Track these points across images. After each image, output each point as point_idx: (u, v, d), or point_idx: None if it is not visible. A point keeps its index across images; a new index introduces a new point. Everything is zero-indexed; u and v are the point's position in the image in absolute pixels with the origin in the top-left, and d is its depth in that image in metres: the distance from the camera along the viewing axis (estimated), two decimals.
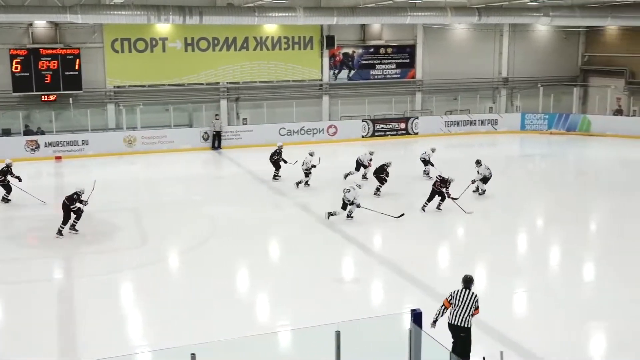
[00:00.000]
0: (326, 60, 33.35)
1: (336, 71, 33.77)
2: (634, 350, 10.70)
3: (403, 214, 18.33)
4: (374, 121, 33.23)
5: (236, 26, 29.97)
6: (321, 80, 33.45)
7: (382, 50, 34.38)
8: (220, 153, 29.51)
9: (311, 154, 22.20)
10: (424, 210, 19.04)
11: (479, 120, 34.79)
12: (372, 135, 32.84)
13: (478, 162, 20.84)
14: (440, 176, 19.16)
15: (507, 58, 36.90)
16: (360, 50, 34.04)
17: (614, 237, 17.10)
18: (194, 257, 15.58)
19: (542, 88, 35.81)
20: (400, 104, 34.83)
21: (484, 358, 7.40)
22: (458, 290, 9.75)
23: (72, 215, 16.69)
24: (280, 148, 23.08)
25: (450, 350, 9.21)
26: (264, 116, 31.95)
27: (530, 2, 26.23)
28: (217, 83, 31.69)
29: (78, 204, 16.60)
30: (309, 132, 31.82)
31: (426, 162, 23.56)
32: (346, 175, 22.81)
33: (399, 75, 34.87)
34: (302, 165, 22.07)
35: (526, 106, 36.45)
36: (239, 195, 21.46)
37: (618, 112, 35.79)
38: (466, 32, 35.79)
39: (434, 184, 18.97)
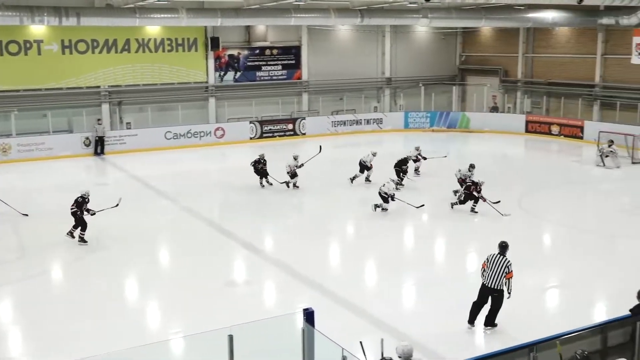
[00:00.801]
0: (211, 62, 33.02)
1: (222, 73, 33.51)
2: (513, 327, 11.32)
3: (423, 205, 19.20)
4: (262, 122, 33.25)
5: (116, 28, 29.04)
6: (207, 82, 33.08)
7: (267, 52, 34.45)
8: (103, 159, 28.53)
9: (295, 157, 22.10)
10: (452, 207, 19.30)
11: (364, 119, 35.59)
12: (261, 137, 32.85)
13: (472, 166, 20.71)
14: (471, 180, 19.28)
15: (389, 58, 37.97)
16: (245, 52, 33.95)
17: (496, 231, 18.00)
18: (78, 268, 15.07)
19: (424, 87, 37.15)
20: (288, 104, 35.06)
21: (360, 342, 7.62)
22: (493, 255, 10.87)
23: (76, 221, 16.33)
24: (262, 156, 22.45)
25: (470, 309, 11.01)
26: (149, 120, 31.23)
27: (410, 4, 27.05)
28: (98, 87, 30.58)
29: (83, 208, 16.24)
30: (196, 135, 31.39)
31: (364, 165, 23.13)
32: (352, 179, 22.77)
33: (285, 77, 35.07)
34: (287, 168, 22.05)
35: (409, 105, 37.65)
36: (124, 202, 20.86)
37: (494, 109, 37.67)
38: (350, 33, 36.51)
39: (468, 188, 18.95)
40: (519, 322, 11.51)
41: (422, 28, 37.22)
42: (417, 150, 24.59)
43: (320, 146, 21.72)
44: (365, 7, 29.20)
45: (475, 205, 19.01)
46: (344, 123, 35.07)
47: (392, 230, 17.91)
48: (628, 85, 31.52)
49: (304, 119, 34.23)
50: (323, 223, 18.54)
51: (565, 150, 29.33)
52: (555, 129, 33.11)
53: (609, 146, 25.68)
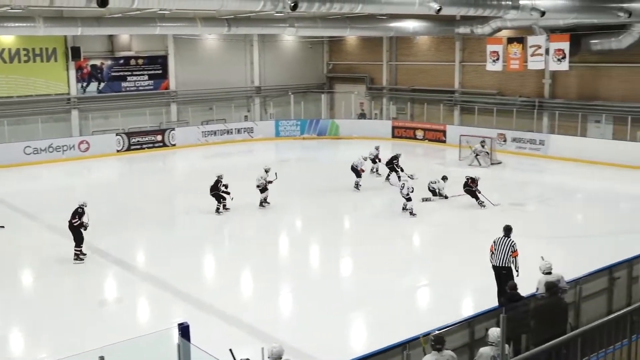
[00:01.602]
0: (73, 72, 31.69)
1: (84, 84, 32.26)
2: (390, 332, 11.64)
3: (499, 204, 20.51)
4: (129, 134, 32.29)
5: None
6: (68, 93, 31.72)
7: (132, 62, 33.55)
8: None
9: (267, 170, 20.86)
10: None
11: (235, 128, 35.45)
12: (128, 149, 31.86)
13: (445, 178, 21.59)
14: (469, 177, 20.49)
15: (258, 67, 38.09)
16: (109, 62, 32.88)
17: (367, 234, 18.47)
18: None
19: (293, 95, 37.60)
20: (156, 115, 34.28)
21: (230, 350, 7.60)
22: (499, 238, 12.20)
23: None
24: (220, 177, 20.19)
25: (497, 289, 11.89)
26: (5, 134, 29.47)
27: (276, 13, 27.25)
28: None
29: (82, 220, 15.65)
30: (58, 149, 29.92)
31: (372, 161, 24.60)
32: (357, 185, 23.06)
33: (152, 87, 34.28)
34: (257, 181, 20.63)
35: (279, 113, 37.97)
36: None
37: (362, 115, 38.75)
38: (218, 42, 36.29)
39: (467, 185, 20.38)
40: (395, 322, 11.88)
41: (289, 37, 37.66)
42: (377, 150, 25.60)
43: (276, 173, 20.86)
44: (232, 17, 29.11)
45: (480, 201, 20.36)
46: (215, 133, 34.77)
47: (268, 239, 17.92)
48: (484, 90, 33.48)
49: (173, 129, 33.60)
50: (196, 236, 18.27)
51: (430, 154, 30.64)
52: (419, 134, 34.52)
53: (483, 146, 27.45)
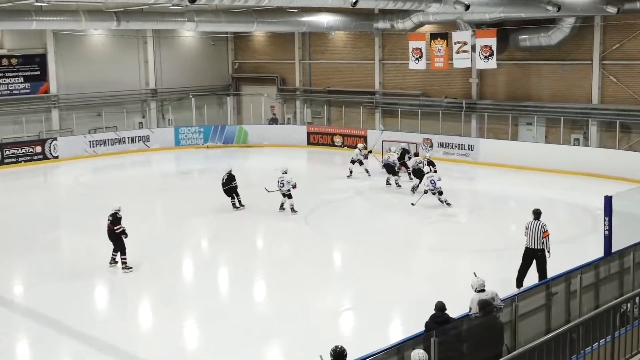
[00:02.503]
0: None
1: None
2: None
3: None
4: (2, 146, 31.10)
5: None
6: None
7: (4, 61, 32.37)
8: None
9: (285, 172, 21.88)
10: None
11: (128, 137, 34.78)
12: (2, 164, 30.66)
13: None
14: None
15: (153, 67, 37.56)
16: None
17: (271, 252, 18.48)
18: None
19: (194, 99, 37.27)
20: (34, 123, 33.12)
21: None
22: (530, 221, 14.20)
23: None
24: (231, 171, 22.43)
25: (517, 275, 14.14)
26: None
27: (173, 6, 26.90)
28: None
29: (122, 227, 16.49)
30: None
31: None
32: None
33: (28, 90, 33.16)
34: (281, 186, 21.66)
35: (179, 119, 37.57)
36: None
37: (273, 120, 38.83)
38: (106, 39, 35.59)
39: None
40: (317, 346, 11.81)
41: (188, 33, 37.28)
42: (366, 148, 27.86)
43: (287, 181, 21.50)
44: (121, 10, 28.46)
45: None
46: (104, 142, 33.97)
47: (170, 263, 17.61)
48: (407, 91, 34.17)
49: (55, 139, 32.61)
50: (84, 261, 17.73)
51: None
52: (338, 140, 34.87)
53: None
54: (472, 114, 31.89)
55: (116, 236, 16.54)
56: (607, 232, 12.40)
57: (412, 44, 30.72)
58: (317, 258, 17.58)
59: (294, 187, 21.63)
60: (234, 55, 41.18)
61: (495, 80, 31.54)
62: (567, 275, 11.47)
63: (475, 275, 10.89)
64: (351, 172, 27.41)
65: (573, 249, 17.07)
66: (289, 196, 21.73)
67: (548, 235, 14.13)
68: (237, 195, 22.44)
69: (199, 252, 19.24)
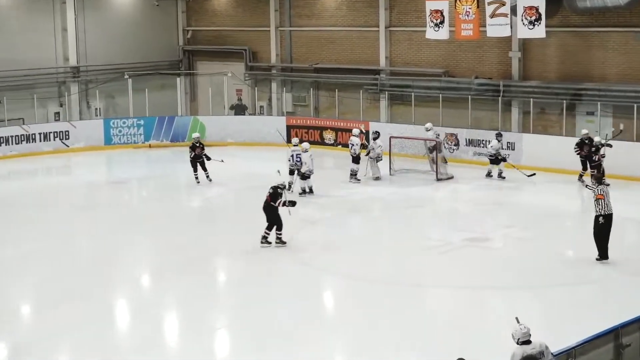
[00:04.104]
0: None
1: None
2: None
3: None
4: None
5: None
6: None
7: None
8: None
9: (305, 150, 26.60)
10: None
11: (40, 133, 34.52)
12: None
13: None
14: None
15: (75, 37, 37.45)
16: None
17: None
18: None
19: (131, 80, 36.96)
20: None
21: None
22: (600, 187, 18.85)
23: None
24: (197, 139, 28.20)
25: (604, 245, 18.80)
26: None
27: None
28: None
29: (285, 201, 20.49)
30: None
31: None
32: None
33: None
34: (297, 161, 26.56)
35: (110, 108, 37.56)
36: None
37: (240, 109, 38.70)
38: (9, 2, 35.59)
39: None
40: None
41: None
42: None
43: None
44: None
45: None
46: (7, 141, 33.69)
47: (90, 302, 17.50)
48: (424, 69, 34.21)
49: None
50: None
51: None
52: (329, 136, 34.80)
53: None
54: (513, 101, 31.93)
55: (270, 212, 20.36)
56: None
57: (430, 5, 30.69)
58: (302, 302, 17.45)
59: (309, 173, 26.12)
60: (186, 20, 41.12)
61: (543, 55, 31.55)
62: None
63: (518, 322, 10.82)
64: (355, 175, 28.33)
65: None
66: (304, 176, 26.17)
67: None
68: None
69: (138, 291, 19.07)
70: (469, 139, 31.39)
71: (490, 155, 28.48)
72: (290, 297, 17.49)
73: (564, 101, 30.35)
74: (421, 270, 19.35)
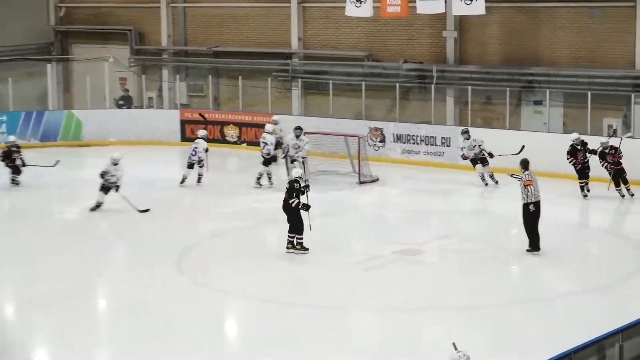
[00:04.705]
0: None
1: None
2: None
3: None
4: None
5: None
6: None
7: None
8: None
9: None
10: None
11: None
12: None
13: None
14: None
15: None
16: None
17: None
18: None
19: None
20: None
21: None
22: (527, 172, 20.49)
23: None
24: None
25: (536, 236, 20.31)
26: None
27: None
28: None
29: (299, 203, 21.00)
30: None
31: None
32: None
33: None
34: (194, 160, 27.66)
35: None
36: None
37: (124, 101, 38.47)
38: None
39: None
40: None
41: None
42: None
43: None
44: None
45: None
46: None
47: None
48: (343, 53, 34.44)
49: None
50: None
51: (252, 168, 30.70)
52: (232, 132, 34.77)
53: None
54: (448, 89, 32.27)
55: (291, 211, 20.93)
56: None
57: None
58: (201, 331, 17.42)
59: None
60: None
61: (483, 35, 31.95)
62: (599, 344, 11.61)
63: (456, 348, 10.95)
64: (258, 179, 28.29)
65: (608, 300, 17.36)
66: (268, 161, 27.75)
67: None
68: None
69: None
70: (396, 134, 31.59)
71: (471, 159, 28.10)
72: (187, 326, 17.45)
73: (507, 89, 30.65)
74: (344, 289, 19.27)
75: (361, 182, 28.57)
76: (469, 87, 31.37)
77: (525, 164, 20.89)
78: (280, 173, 28.74)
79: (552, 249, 20.72)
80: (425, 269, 20.97)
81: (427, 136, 31.07)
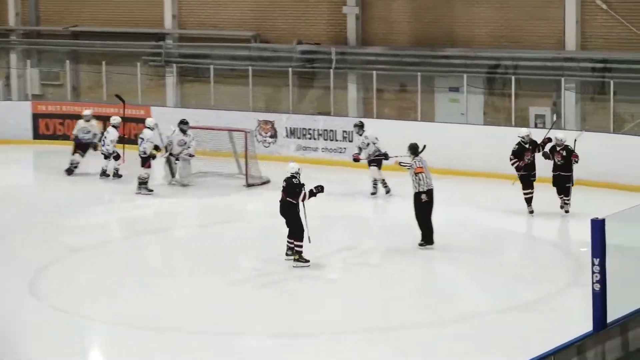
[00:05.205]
0: None
1: None
2: None
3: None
4: None
5: None
6: None
7: None
8: None
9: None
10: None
11: None
12: None
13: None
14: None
15: None
16: None
17: None
18: None
19: None
20: None
21: None
22: (419, 159, 21.16)
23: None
24: None
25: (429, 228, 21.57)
26: None
27: None
28: None
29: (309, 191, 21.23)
30: None
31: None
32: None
33: None
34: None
35: None
36: None
37: None
38: None
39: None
40: None
41: None
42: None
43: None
44: None
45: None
46: None
47: None
48: (226, 33, 34.49)
49: None
50: None
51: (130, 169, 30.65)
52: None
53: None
54: (350, 75, 32.38)
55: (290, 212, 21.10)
56: (598, 287, 12.70)
57: None
58: None
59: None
60: None
61: (389, 11, 32.09)
62: None
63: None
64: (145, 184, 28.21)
65: (538, 317, 17.52)
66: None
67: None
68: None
69: None
70: (290, 128, 31.65)
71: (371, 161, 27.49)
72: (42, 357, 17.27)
73: (419, 74, 30.72)
74: (231, 311, 19.25)
75: (249, 185, 28.55)
76: (374, 72, 31.43)
77: (414, 150, 21.48)
78: (159, 176, 28.77)
79: (475, 260, 20.95)
80: (325, 286, 21.00)
81: (325, 130, 31.11)
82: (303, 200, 20.98)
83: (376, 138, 27.18)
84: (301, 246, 20.93)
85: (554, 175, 24.58)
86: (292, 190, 20.92)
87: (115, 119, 29.28)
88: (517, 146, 24.84)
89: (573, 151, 24.34)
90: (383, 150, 26.85)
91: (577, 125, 28.49)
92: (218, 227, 25.39)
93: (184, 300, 20.25)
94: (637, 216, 14.10)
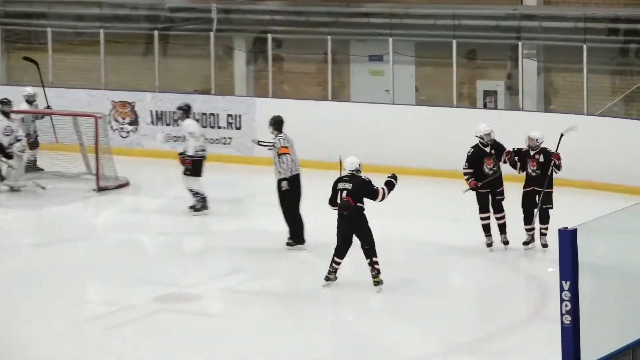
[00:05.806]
0: None
1: None
2: None
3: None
4: None
5: None
6: None
7: None
8: None
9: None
10: None
11: None
12: None
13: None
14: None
15: None
16: None
17: None
18: None
19: None
20: None
21: None
22: (283, 137, 21.98)
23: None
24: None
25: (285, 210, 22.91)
26: None
27: None
28: None
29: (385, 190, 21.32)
30: None
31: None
32: None
33: None
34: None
35: None
36: None
37: None
38: None
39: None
40: None
41: None
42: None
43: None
44: None
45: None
46: None
47: None
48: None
49: None
50: None
51: None
52: None
53: None
54: (236, 39, 32.63)
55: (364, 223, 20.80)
56: (568, 320, 12.80)
57: None
58: None
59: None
60: None
61: None
62: None
63: None
64: None
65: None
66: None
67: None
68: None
69: None
70: (156, 112, 32.01)
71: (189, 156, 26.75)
72: None
73: (329, 37, 31.17)
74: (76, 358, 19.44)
75: (101, 189, 28.52)
76: (269, 36, 31.83)
77: (277, 124, 22.45)
78: None
79: (408, 290, 21.08)
80: (205, 322, 21.11)
81: (204, 114, 31.13)
82: (382, 200, 20.60)
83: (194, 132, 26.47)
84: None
85: (524, 193, 22.69)
86: (369, 190, 20.55)
87: None
88: (472, 149, 23.22)
89: (554, 152, 22.37)
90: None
91: (539, 105, 28.73)
92: (58, 245, 25.36)
93: (10, 342, 20.36)
94: (621, 224, 14.19)
